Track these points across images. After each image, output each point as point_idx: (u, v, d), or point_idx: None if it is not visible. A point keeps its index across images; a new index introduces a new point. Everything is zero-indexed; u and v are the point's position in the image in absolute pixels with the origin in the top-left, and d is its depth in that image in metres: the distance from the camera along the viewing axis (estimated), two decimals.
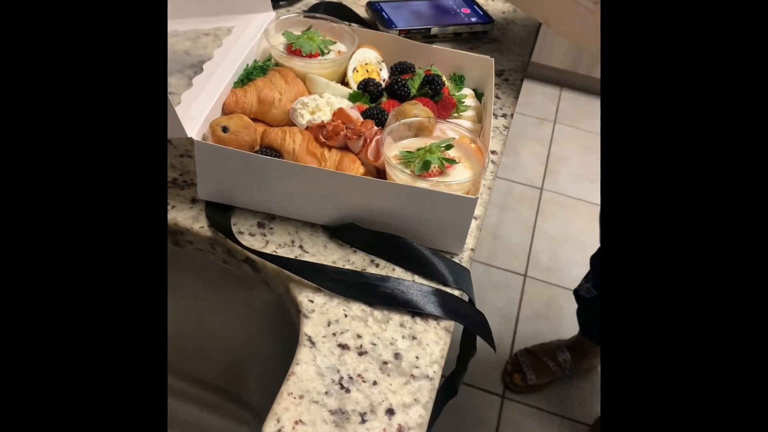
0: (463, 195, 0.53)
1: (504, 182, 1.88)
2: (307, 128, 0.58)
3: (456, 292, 0.54)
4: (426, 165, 0.55)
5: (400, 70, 0.67)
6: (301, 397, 0.46)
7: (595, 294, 1.21)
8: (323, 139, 0.57)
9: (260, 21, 0.67)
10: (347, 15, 0.83)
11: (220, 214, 0.56)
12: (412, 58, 0.68)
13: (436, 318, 0.52)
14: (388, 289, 0.53)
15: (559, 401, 1.38)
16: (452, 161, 0.56)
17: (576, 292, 1.28)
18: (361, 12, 0.85)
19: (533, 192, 1.87)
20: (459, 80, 0.69)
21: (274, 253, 0.54)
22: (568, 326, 1.48)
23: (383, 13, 0.83)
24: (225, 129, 0.54)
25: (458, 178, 0.55)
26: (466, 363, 0.61)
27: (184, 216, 0.56)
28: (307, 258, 0.54)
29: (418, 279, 0.55)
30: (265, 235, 0.56)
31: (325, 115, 0.59)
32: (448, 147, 0.57)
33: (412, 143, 0.59)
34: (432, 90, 0.64)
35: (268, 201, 0.56)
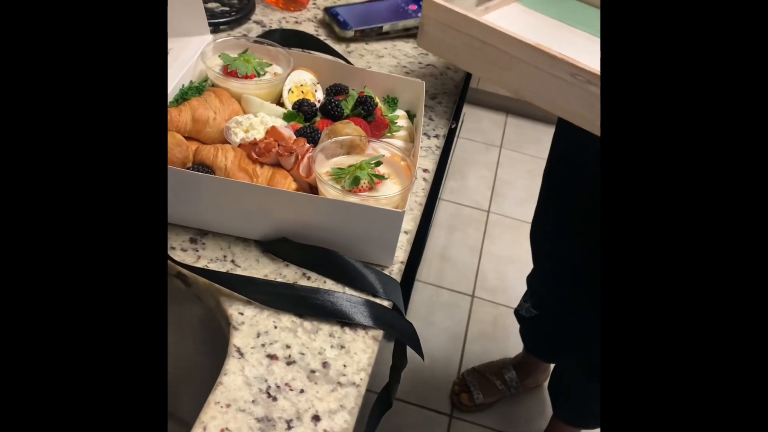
0: (391, 209, 0.55)
1: (452, 205, 1.92)
2: (239, 145, 0.60)
3: (386, 303, 0.56)
4: (356, 180, 0.57)
5: (334, 91, 0.70)
6: (228, 405, 0.46)
7: (535, 313, 1.24)
8: (255, 156, 0.58)
9: (197, 43, 0.69)
10: (305, 40, 0.85)
11: None
12: (347, 81, 0.71)
13: (365, 328, 0.54)
14: (319, 300, 0.54)
15: (506, 419, 1.41)
16: (381, 177, 0.58)
17: (516, 312, 1.31)
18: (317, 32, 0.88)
19: (480, 214, 1.91)
20: (392, 102, 0.72)
21: (206, 268, 0.55)
22: (515, 345, 1.51)
23: (338, 17, 0.89)
24: None
25: (387, 193, 0.57)
26: (399, 374, 0.62)
27: None
28: (239, 272, 0.56)
29: (348, 290, 0.56)
30: (197, 251, 0.57)
31: (258, 134, 0.61)
32: (378, 164, 0.59)
33: (344, 161, 0.61)
34: (365, 110, 0.66)
35: (201, 217, 0.57)
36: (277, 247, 0.58)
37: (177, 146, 0.56)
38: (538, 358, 1.37)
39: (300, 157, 0.59)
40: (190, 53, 0.68)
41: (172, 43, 0.69)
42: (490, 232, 1.85)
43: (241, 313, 0.53)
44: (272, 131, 0.60)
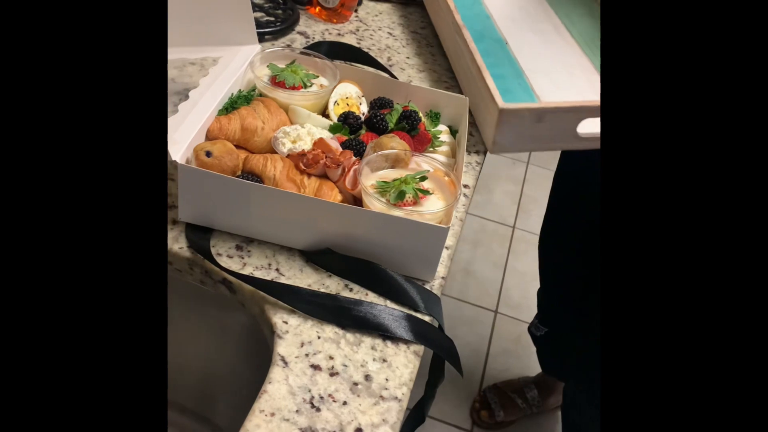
0: (435, 224, 0.56)
1: (477, 219, 1.92)
2: (288, 156, 0.60)
3: (426, 318, 0.56)
4: (401, 195, 0.57)
5: (379, 104, 0.70)
6: (273, 414, 0.47)
7: (544, 330, 1.23)
8: (303, 167, 0.59)
9: (246, 53, 0.70)
10: (351, 52, 0.85)
11: (199, 235, 0.57)
12: (391, 95, 0.72)
13: (406, 342, 0.54)
14: (361, 312, 0.54)
15: None
16: (426, 192, 0.59)
17: (529, 329, 1.31)
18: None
19: (505, 230, 1.90)
20: (435, 117, 0.72)
21: (251, 275, 0.56)
22: (537, 363, 1.50)
23: None
24: (208, 153, 0.56)
25: (431, 208, 0.58)
26: (435, 389, 0.62)
27: None
28: (283, 281, 0.56)
29: (390, 304, 0.56)
30: (242, 258, 0.57)
31: (305, 145, 0.62)
32: (423, 178, 0.59)
33: (389, 174, 0.61)
34: (409, 125, 0.67)
35: (248, 225, 0.58)
36: (320, 258, 0.58)
37: (228, 154, 0.57)
38: (551, 376, 1.36)
39: (346, 169, 0.59)
40: (239, 62, 0.69)
41: (222, 52, 0.70)
42: (514, 248, 1.85)
43: (286, 322, 0.53)
44: (320, 143, 0.61)
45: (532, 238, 1.89)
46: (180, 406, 0.72)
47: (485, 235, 1.87)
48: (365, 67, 0.81)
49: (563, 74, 0.83)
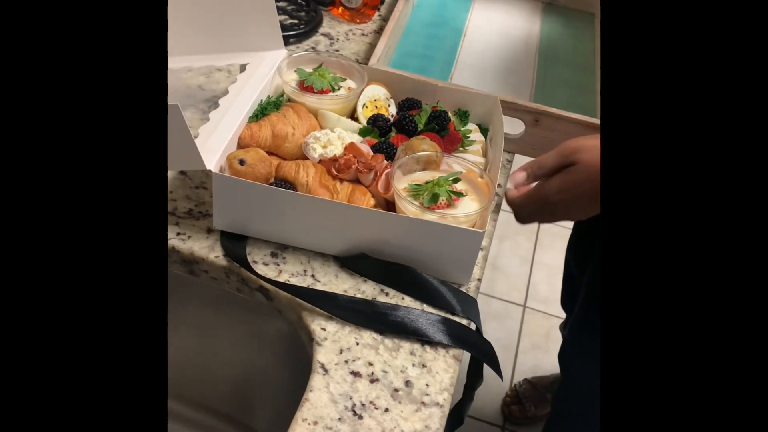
0: (470, 228, 0.55)
1: (503, 213, 1.90)
2: (319, 162, 0.60)
3: (464, 321, 0.56)
4: (434, 197, 0.57)
5: (407, 106, 0.70)
6: (315, 423, 0.47)
7: (565, 334, 1.21)
8: (335, 173, 0.59)
9: (272, 58, 0.70)
10: None
11: (235, 243, 0.58)
12: (419, 95, 0.71)
13: (444, 346, 0.54)
14: (398, 317, 0.54)
15: None
16: (459, 194, 0.58)
17: (560, 328, 1.29)
18: None
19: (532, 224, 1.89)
20: (464, 115, 0.71)
21: (287, 282, 0.56)
22: None
23: None
24: (242, 162, 0.56)
25: (465, 211, 0.57)
26: (473, 392, 0.62)
27: (200, 246, 0.58)
28: (318, 287, 0.56)
29: (427, 308, 0.56)
30: (278, 265, 0.57)
31: (336, 149, 0.61)
32: (456, 180, 0.59)
33: (421, 176, 0.61)
34: (438, 125, 0.66)
35: (282, 231, 0.58)
36: (355, 263, 0.58)
37: (261, 162, 0.57)
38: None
39: (378, 173, 0.59)
40: (266, 68, 0.69)
41: (248, 57, 0.70)
42: (541, 241, 1.83)
43: (324, 329, 0.53)
44: (351, 147, 0.60)
45: (559, 231, 1.87)
46: (218, 412, 0.73)
47: (510, 229, 1.86)
48: (392, 69, 0.80)
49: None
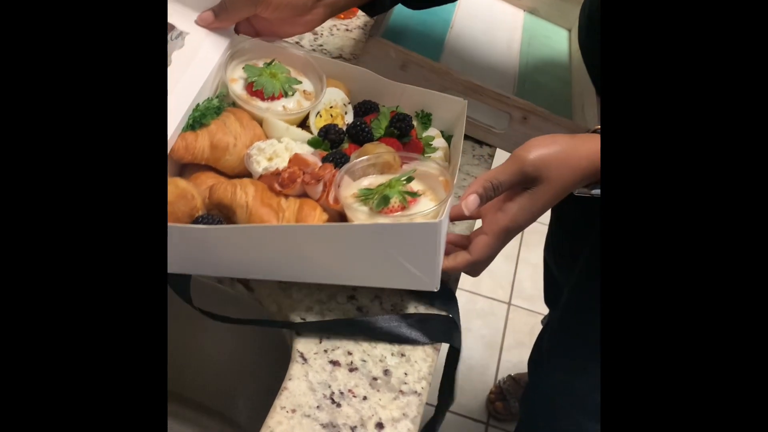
0: (422, 221, 0.49)
1: None
2: (260, 177, 0.54)
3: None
4: (385, 200, 0.50)
5: (363, 110, 0.63)
6: (294, 411, 0.47)
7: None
8: (279, 188, 0.53)
9: (217, 40, 0.58)
10: None
11: (177, 280, 0.54)
12: (379, 95, 0.64)
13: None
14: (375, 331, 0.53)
15: None
16: (415, 194, 0.51)
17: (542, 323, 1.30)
18: None
19: None
20: (426, 118, 0.64)
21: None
22: None
23: None
24: None
25: (421, 209, 0.51)
26: (444, 411, 0.60)
27: None
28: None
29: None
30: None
31: (283, 162, 0.54)
32: (410, 179, 0.52)
33: (376, 181, 0.54)
34: (399, 130, 0.60)
35: (225, 267, 0.52)
36: (311, 325, 0.53)
37: (181, 198, 0.50)
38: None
39: (327, 184, 0.53)
40: (208, 52, 0.57)
41: (189, 26, 0.58)
42: (526, 240, 1.84)
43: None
44: (295, 159, 0.54)
45: (544, 230, 1.88)
46: (200, 405, 0.73)
47: None
48: (350, 65, 0.66)
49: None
